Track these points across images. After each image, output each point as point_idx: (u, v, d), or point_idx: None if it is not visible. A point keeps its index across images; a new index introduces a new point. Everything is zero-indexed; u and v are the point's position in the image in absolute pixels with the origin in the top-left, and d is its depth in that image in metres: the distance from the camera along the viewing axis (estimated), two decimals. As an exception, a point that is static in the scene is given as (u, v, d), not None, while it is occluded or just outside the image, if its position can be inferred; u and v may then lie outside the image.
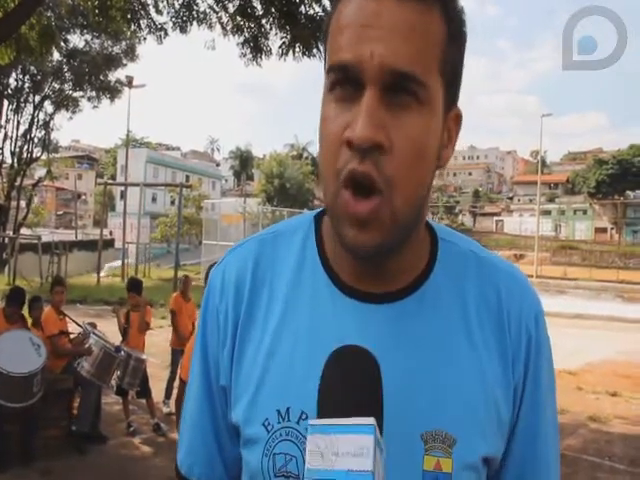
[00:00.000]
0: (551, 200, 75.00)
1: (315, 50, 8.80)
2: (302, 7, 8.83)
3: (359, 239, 0.74)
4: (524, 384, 0.86)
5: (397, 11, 0.70)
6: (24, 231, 26.03)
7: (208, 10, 9.47)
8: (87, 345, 5.92)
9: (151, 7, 9.43)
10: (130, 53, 22.40)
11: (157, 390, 6.97)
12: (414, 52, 0.70)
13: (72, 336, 6.36)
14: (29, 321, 6.26)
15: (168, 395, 7.31)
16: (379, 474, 0.62)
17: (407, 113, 0.71)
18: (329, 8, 0.82)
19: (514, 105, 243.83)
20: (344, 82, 0.73)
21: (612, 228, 66.69)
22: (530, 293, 0.90)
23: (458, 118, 0.82)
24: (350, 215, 0.73)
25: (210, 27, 9.55)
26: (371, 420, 0.64)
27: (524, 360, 0.86)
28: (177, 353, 7.37)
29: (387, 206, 0.72)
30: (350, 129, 0.70)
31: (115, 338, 6.60)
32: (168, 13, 9.48)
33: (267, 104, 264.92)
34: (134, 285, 7.10)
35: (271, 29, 9.24)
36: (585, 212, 70.18)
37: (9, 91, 22.58)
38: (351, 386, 0.69)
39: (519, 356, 0.85)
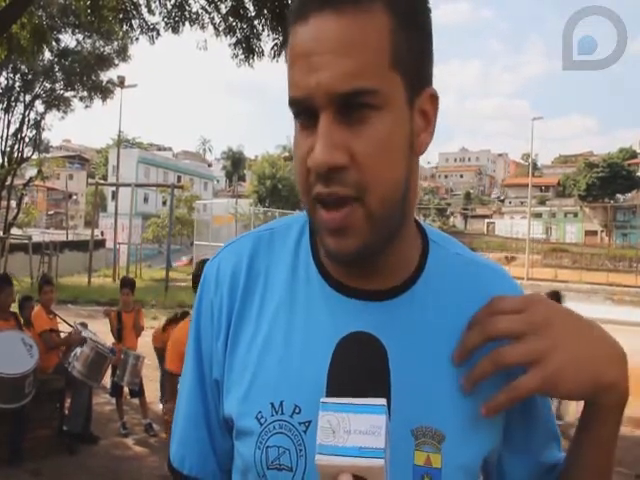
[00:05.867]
0: (542, 203, 75.32)
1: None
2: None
3: (339, 246, 0.76)
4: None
5: (334, 30, 0.71)
6: (14, 231, 25.77)
7: (200, 11, 9.48)
8: (78, 335, 5.94)
9: (143, 7, 9.42)
10: (122, 53, 22.26)
11: (150, 390, 6.96)
12: (358, 66, 0.71)
13: (62, 335, 6.34)
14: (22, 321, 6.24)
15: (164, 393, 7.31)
16: (387, 453, 0.64)
17: (366, 124, 0.73)
18: None
19: (505, 108, 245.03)
20: (302, 113, 0.76)
21: (602, 231, 67.05)
22: (516, 286, 0.94)
23: (433, 98, 0.81)
24: (326, 225, 0.76)
25: (202, 28, 9.55)
26: (383, 401, 0.66)
27: None
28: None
29: (361, 210, 0.74)
30: (310, 156, 0.73)
31: (107, 339, 6.59)
32: (160, 13, 9.48)
33: (259, 105, 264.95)
34: (128, 282, 7.11)
35: (263, 30, 9.27)
36: (576, 215, 70.51)
37: (-1, 90, 22.47)
38: (360, 368, 0.72)
39: None
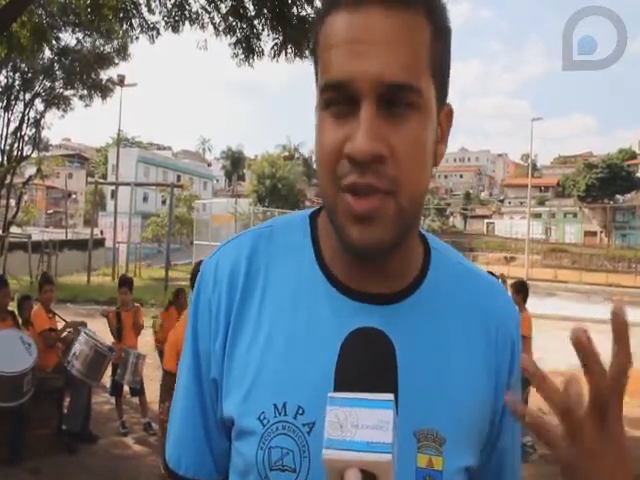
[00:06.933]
0: (541, 203, 75.35)
1: (307, 51, 8.83)
2: (294, 8, 8.84)
3: (364, 236, 0.75)
4: (509, 387, 0.89)
5: (385, 23, 0.72)
6: (14, 230, 25.80)
7: (200, 10, 9.47)
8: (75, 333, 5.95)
9: (143, 6, 9.40)
10: (122, 52, 22.23)
11: (151, 390, 6.95)
12: (406, 62, 0.72)
13: (62, 335, 6.34)
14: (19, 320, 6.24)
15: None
16: (395, 448, 0.63)
17: (405, 121, 0.74)
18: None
19: (505, 108, 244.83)
20: (339, 101, 0.75)
21: (601, 232, 67.10)
22: (510, 301, 0.97)
23: (449, 114, 0.84)
24: (353, 213, 0.75)
25: (202, 27, 9.54)
26: (390, 396, 0.65)
27: (509, 365, 0.90)
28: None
29: (392, 202, 0.75)
30: (350, 144, 0.72)
31: (106, 338, 6.58)
32: (160, 12, 9.46)
33: (259, 105, 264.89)
34: (126, 281, 7.11)
35: (263, 30, 9.26)
36: (575, 215, 70.55)
37: (-1, 88, 22.46)
38: (368, 363, 0.71)
39: (504, 362, 0.90)
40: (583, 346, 0.64)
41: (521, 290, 6.26)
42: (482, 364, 0.87)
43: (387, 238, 0.76)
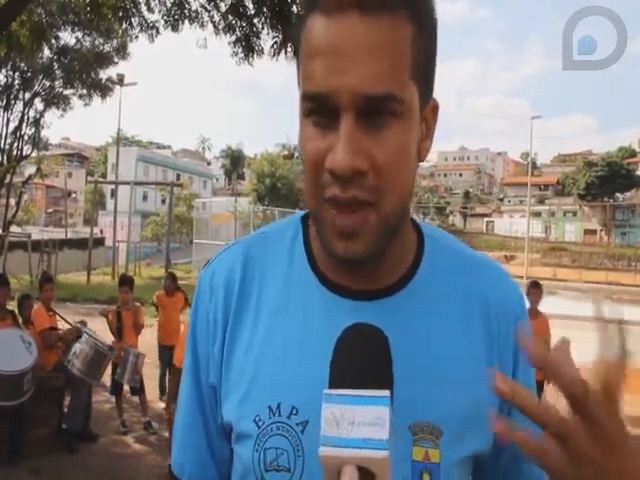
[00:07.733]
0: (541, 202, 75.36)
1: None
2: (294, 7, 8.83)
3: (348, 250, 0.76)
4: (514, 372, 0.87)
5: (363, 30, 0.70)
6: (13, 229, 25.80)
7: (200, 9, 9.48)
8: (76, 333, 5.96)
9: (143, 5, 9.41)
10: (121, 51, 22.27)
11: (149, 388, 6.97)
12: (386, 71, 0.71)
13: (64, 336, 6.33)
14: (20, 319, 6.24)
15: (163, 391, 7.35)
16: (391, 444, 0.63)
17: (386, 131, 0.73)
18: None
19: (505, 107, 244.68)
20: (320, 111, 0.74)
21: (601, 230, 67.15)
22: (514, 286, 0.93)
23: (435, 109, 0.83)
24: (337, 228, 0.75)
25: (202, 26, 9.55)
26: (386, 392, 0.65)
27: (513, 348, 0.88)
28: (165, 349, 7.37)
29: (374, 215, 0.74)
30: (330, 158, 0.72)
31: (105, 337, 6.58)
32: (160, 11, 9.47)
33: (259, 103, 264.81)
34: (127, 280, 7.11)
35: (263, 28, 9.26)
36: (575, 214, 70.58)
37: (-1, 88, 22.47)
38: (364, 360, 0.71)
39: (507, 345, 0.87)
40: (547, 363, 0.61)
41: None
42: (482, 350, 0.86)
43: (371, 249, 0.76)
